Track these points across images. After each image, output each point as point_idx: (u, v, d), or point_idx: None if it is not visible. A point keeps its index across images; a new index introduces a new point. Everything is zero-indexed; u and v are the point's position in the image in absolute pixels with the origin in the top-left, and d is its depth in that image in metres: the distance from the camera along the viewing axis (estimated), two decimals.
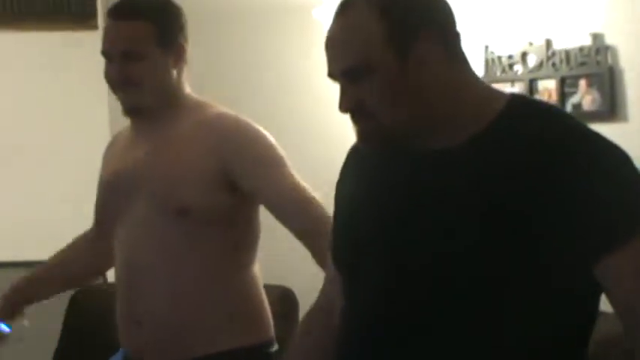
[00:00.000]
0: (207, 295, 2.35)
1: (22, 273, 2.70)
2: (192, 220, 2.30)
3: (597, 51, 3.36)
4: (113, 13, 2.35)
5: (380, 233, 1.64)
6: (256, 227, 2.42)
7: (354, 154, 1.79)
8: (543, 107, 1.70)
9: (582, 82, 3.41)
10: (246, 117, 2.39)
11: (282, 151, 2.35)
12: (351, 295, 1.71)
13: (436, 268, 1.56)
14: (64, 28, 4.55)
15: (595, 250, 1.51)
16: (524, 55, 3.54)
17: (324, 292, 1.87)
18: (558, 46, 3.47)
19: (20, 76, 4.61)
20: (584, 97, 3.41)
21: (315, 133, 3.84)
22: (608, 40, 3.35)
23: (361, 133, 1.63)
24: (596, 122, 3.07)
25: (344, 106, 1.61)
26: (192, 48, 2.40)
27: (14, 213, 4.42)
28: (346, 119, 1.64)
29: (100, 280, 3.63)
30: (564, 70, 3.45)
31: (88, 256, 2.65)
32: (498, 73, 3.59)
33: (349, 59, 1.57)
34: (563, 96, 3.44)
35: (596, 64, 3.37)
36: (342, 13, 1.60)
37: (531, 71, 3.53)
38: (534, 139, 1.54)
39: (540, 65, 3.50)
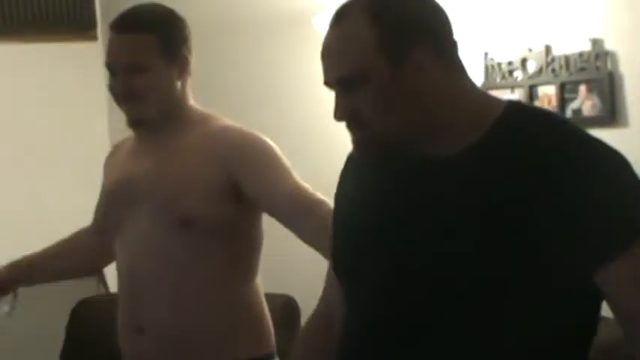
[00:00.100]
0: (209, 306, 2.35)
1: None
2: (196, 231, 2.30)
3: (597, 56, 3.36)
4: (116, 26, 2.34)
5: (380, 235, 1.65)
6: (259, 238, 2.42)
7: (352, 159, 1.79)
8: (541, 114, 1.70)
9: (582, 88, 3.41)
10: (248, 125, 2.40)
11: (287, 162, 2.35)
12: (351, 296, 1.72)
13: (436, 269, 1.56)
14: (63, 39, 4.56)
15: (595, 258, 1.51)
16: (523, 61, 3.54)
17: (324, 296, 1.88)
18: (558, 51, 3.46)
19: (20, 87, 4.62)
20: (584, 103, 3.41)
21: (316, 141, 3.83)
22: (608, 46, 3.35)
23: (357, 142, 1.64)
24: (596, 128, 3.07)
25: (339, 115, 1.61)
26: (193, 57, 2.40)
27: (14, 221, 4.42)
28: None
29: (102, 291, 3.64)
30: (564, 76, 3.44)
31: (87, 251, 2.66)
32: (498, 80, 3.59)
33: (343, 68, 1.58)
34: (563, 102, 3.44)
35: (595, 70, 3.37)
36: (336, 22, 1.61)
37: (531, 77, 3.52)
38: (533, 145, 1.54)
39: (540, 71, 3.50)
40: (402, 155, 1.64)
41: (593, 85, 3.38)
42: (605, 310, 1.59)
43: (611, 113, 3.33)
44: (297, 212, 2.29)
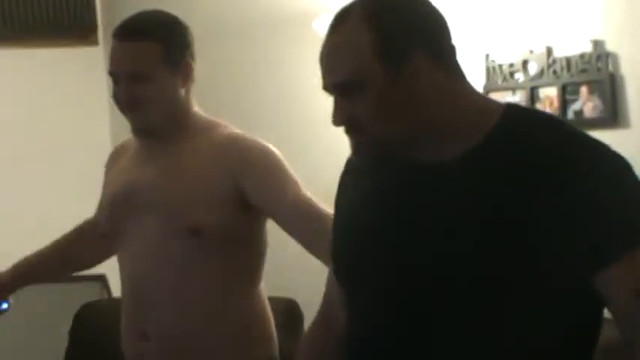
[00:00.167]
0: (212, 310, 2.35)
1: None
2: (202, 240, 2.29)
3: (598, 58, 3.36)
4: (118, 33, 2.31)
5: (380, 236, 1.65)
6: (264, 245, 2.42)
7: (352, 162, 1.79)
8: (542, 117, 1.70)
9: (583, 89, 3.41)
10: (249, 127, 2.40)
11: (294, 173, 2.34)
12: (351, 298, 1.72)
13: (436, 270, 1.56)
14: (64, 43, 4.55)
15: (594, 261, 1.51)
16: (525, 63, 3.54)
17: (325, 299, 1.88)
18: (559, 53, 3.47)
19: (21, 93, 4.61)
20: (586, 104, 3.41)
21: (316, 143, 3.84)
22: (609, 47, 3.35)
23: (355, 146, 1.64)
24: (597, 129, 3.07)
25: (337, 120, 1.62)
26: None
27: (15, 224, 4.42)
28: None
29: (105, 295, 3.64)
30: (565, 78, 3.45)
31: (89, 249, 2.67)
32: (499, 82, 3.59)
33: (340, 74, 1.58)
34: (564, 103, 3.44)
35: (597, 71, 3.37)
36: (334, 27, 1.61)
37: (532, 79, 3.53)
38: (533, 147, 1.54)
39: (541, 73, 3.50)
40: (401, 159, 1.64)
41: (594, 87, 3.38)
42: (607, 312, 1.59)
43: (613, 114, 3.33)
44: (301, 220, 2.29)
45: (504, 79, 3.59)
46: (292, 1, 3.93)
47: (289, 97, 3.96)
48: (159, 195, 2.33)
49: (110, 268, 2.72)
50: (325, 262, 2.11)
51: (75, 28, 4.57)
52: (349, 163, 1.81)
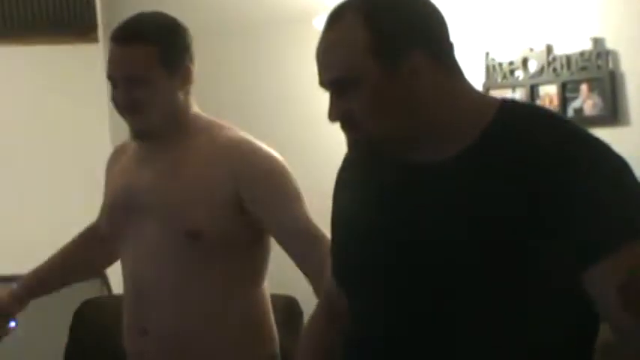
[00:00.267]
0: (213, 311, 2.34)
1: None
2: (204, 243, 2.29)
3: (598, 55, 3.36)
4: (115, 37, 2.30)
5: (379, 236, 1.64)
6: (267, 246, 2.41)
7: (349, 160, 1.79)
8: (540, 112, 1.69)
9: (583, 87, 3.41)
10: (248, 125, 2.39)
11: (296, 184, 2.34)
12: (350, 297, 1.72)
13: (435, 269, 1.56)
14: (64, 41, 4.55)
15: (584, 258, 1.49)
16: (524, 60, 3.54)
17: (326, 294, 1.88)
18: (559, 51, 3.47)
19: (21, 90, 4.61)
20: (586, 102, 3.41)
21: (316, 141, 3.83)
22: (609, 45, 3.35)
23: (351, 143, 1.64)
24: (597, 127, 3.08)
25: (332, 117, 1.62)
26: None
27: (12, 223, 4.42)
28: None
29: (105, 292, 3.64)
30: (565, 75, 3.45)
31: (96, 254, 2.66)
32: (499, 80, 3.59)
33: (335, 70, 1.58)
34: (564, 101, 3.44)
35: (597, 69, 3.37)
36: (330, 24, 1.61)
37: (532, 77, 3.53)
38: (533, 145, 1.54)
39: (541, 71, 3.50)
40: (400, 157, 1.64)
41: (594, 85, 3.38)
42: None
43: (613, 112, 3.34)
44: (299, 244, 2.29)
45: (504, 76, 3.59)
46: None
47: (290, 95, 3.96)
48: (157, 197, 2.33)
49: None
50: (319, 296, 2.11)
51: (75, 25, 4.57)
52: (346, 160, 1.81)
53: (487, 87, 3.59)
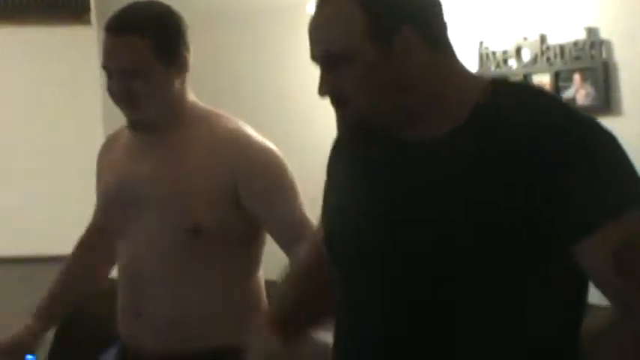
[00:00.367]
0: (208, 296, 2.34)
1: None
2: (203, 237, 2.28)
3: (592, 45, 3.37)
4: (109, 27, 2.27)
5: (371, 217, 1.64)
6: (263, 237, 2.41)
7: (340, 141, 1.78)
8: (533, 91, 1.69)
9: (576, 77, 3.42)
10: (244, 113, 2.38)
11: (292, 176, 2.33)
12: (344, 278, 1.71)
13: (429, 250, 1.55)
14: (56, 23, 4.54)
15: (577, 232, 1.49)
16: (518, 49, 3.55)
17: (313, 245, 1.87)
18: (552, 40, 3.47)
19: (12, 71, 4.60)
20: (579, 92, 3.41)
21: (310, 128, 3.83)
22: (603, 35, 3.35)
23: (341, 120, 1.64)
24: None
25: (323, 91, 1.61)
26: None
27: (4, 208, 4.42)
28: None
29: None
30: (558, 65, 3.45)
31: (101, 258, 2.63)
32: (493, 68, 3.59)
33: (328, 46, 1.58)
34: (557, 90, 3.44)
35: (590, 59, 3.37)
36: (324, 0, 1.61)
37: (525, 66, 3.53)
38: (527, 122, 1.53)
39: (535, 60, 3.50)
40: (391, 136, 1.64)
41: (587, 74, 3.39)
42: (594, 298, 1.59)
43: (606, 102, 3.34)
44: (293, 237, 2.29)
45: (497, 65, 3.59)
46: None
47: (284, 82, 3.95)
48: (156, 188, 2.32)
49: None
50: None
51: (68, 7, 4.55)
52: (337, 140, 1.80)
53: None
